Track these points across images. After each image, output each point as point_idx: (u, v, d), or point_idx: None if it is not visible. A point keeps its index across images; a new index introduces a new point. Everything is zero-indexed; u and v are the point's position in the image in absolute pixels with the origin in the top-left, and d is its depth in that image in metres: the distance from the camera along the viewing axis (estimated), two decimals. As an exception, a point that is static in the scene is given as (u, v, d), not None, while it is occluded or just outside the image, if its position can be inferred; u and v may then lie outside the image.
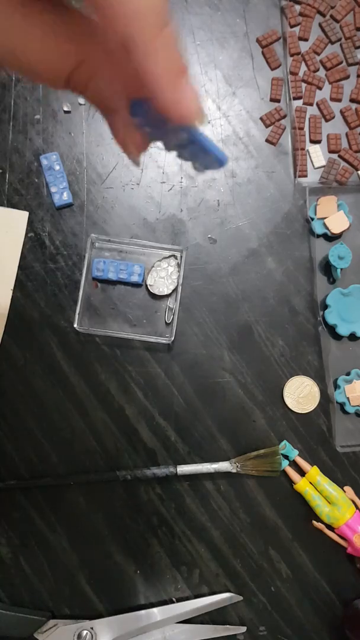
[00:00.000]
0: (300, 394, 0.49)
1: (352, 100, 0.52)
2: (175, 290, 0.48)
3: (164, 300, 0.49)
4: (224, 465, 0.47)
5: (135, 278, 0.48)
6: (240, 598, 0.47)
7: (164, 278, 0.48)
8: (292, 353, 0.49)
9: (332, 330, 0.49)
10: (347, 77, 0.52)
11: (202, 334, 0.49)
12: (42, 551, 0.47)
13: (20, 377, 0.48)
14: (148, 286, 0.48)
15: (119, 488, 0.48)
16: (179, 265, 0.48)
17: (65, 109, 0.50)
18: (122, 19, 0.22)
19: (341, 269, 0.49)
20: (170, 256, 0.48)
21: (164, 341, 0.48)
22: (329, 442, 0.49)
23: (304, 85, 0.51)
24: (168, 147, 0.25)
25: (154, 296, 0.49)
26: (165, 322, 0.49)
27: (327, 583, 0.48)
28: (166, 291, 0.48)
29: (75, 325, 0.47)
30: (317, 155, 0.51)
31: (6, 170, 0.50)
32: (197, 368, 0.49)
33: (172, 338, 0.47)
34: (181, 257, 0.48)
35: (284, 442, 0.48)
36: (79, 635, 0.45)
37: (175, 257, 0.48)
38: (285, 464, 0.48)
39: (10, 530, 0.47)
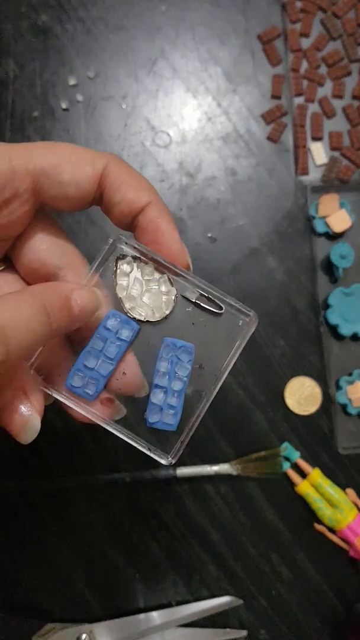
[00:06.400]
0: (302, 395, 0.48)
1: (354, 97, 0.51)
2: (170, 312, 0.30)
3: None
4: (224, 468, 0.46)
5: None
6: (241, 601, 0.47)
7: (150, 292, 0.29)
8: (293, 353, 0.49)
9: (333, 330, 0.49)
10: (349, 73, 0.51)
11: (202, 334, 0.48)
12: (41, 554, 0.47)
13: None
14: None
15: (118, 490, 0.47)
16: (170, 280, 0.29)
17: (64, 106, 0.50)
18: None
19: (343, 268, 0.48)
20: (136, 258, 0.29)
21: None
22: (331, 444, 0.48)
23: (305, 82, 0.51)
24: None
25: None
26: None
27: (329, 586, 0.48)
28: (151, 317, 0.29)
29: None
30: (319, 152, 0.51)
31: (4, 169, 0.49)
32: (197, 369, 0.48)
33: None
34: (249, 322, 0.31)
35: (285, 444, 0.48)
36: (78, 639, 0.45)
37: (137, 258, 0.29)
38: (286, 466, 0.48)
39: (8, 533, 0.47)
